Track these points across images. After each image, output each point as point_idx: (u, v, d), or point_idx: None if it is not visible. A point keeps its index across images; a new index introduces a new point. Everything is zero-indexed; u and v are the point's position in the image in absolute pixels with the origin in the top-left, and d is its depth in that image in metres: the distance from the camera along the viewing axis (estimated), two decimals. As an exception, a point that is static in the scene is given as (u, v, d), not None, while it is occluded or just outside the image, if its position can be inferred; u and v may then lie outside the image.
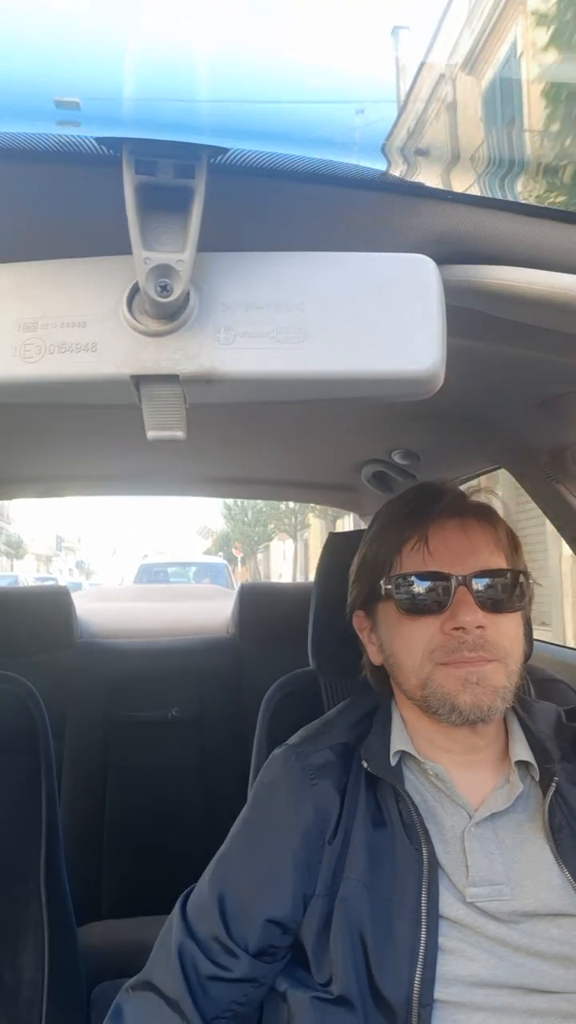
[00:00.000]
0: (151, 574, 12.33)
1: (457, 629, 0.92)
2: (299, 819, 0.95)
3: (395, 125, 0.61)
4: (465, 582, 0.93)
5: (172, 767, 2.14)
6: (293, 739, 1.06)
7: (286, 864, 0.93)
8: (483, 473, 1.72)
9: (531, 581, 0.99)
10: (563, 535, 1.43)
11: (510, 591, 0.95)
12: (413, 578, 0.96)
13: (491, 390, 1.15)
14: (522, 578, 0.97)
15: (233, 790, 1.48)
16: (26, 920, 1.18)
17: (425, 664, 0.94)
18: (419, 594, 0.95)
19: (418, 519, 0.99)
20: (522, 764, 0.95)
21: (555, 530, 1.46)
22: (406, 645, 0.97)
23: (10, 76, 0.52)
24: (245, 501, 21.26)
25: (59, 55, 0.52)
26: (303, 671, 1.30)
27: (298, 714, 1.14)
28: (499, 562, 0.97)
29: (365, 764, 0.96)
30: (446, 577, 0.94)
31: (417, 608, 0.96)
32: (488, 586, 0.94)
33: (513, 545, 1.00)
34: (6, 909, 1.17)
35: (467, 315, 0.71)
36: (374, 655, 1.04)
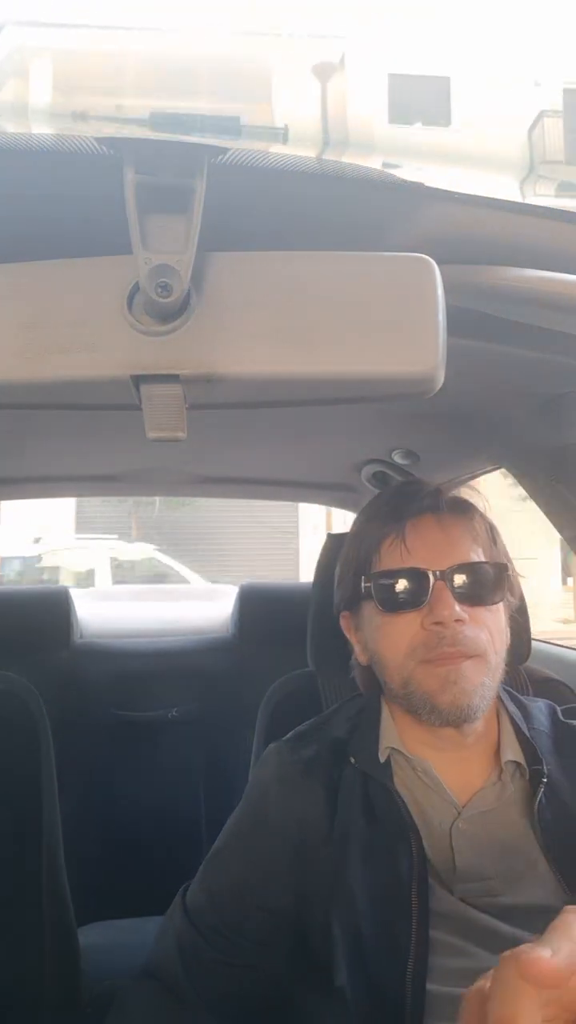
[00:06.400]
0: None
1: (436, 624, 0.92)
2: (290, 814, 0.96)
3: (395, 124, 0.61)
4: (443, 577, 0.93)
5: (172, 767, 2.13)
6: (287, 736, 1.06)
7: (278, 858, 0.94)
8: (483, 473, 1.71)
9: (512, 574, 0.99)
10: (563, 535, 1.43)
11: (490, 584, 0.96)
12: (391, 575, 0.96)
13: (491, 390, 1.15)
14: (503, 570, 0.97)
15: (233, 790, 1.48)
16: (26, 920, 1.18)
17: (408, 662, 0.94)
18: (398, 591, 0.95)
19: (395, 516, 0.99)
20: (512, 763, 0.96)
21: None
22: (388, 643, 0.97)
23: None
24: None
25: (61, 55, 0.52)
26: (302, 671, 1.30)
27: (298, 714, 1.13)
28: (478, 555, 0.97)
29: (353, 760, 0.96)
30: (424, 572, 0.94)
31: (397, 605, 0.96)
32: (467, 580, 0.94)
33: (491, 538, 1.00)
34: (6, 909, 1.17)
35: (467, 315, 0.71)
36: (360, 655, 1.04)
